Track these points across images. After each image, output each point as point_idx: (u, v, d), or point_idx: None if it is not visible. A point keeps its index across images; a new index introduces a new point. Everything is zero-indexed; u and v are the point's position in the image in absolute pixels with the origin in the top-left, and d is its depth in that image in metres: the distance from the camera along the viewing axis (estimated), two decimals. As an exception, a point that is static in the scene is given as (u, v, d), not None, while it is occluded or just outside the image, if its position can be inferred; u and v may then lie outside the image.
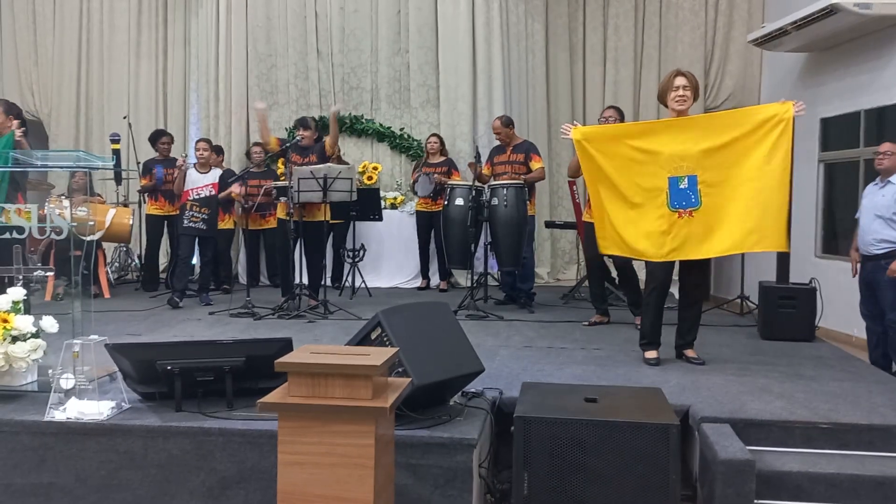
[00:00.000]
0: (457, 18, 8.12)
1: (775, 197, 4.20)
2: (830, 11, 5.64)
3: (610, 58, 8.48)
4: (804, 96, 6.90)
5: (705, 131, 4.28)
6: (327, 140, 6.32)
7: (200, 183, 6.63)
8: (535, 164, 6.42)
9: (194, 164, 6.67)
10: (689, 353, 4.56)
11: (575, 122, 4.80)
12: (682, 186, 4.28)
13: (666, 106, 4.48)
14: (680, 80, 4.33)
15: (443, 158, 7.68)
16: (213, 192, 6.67)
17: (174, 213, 7.10)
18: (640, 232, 4.36)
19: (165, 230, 7.58)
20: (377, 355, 2.51)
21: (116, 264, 8.38)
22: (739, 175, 4.22)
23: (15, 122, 4.91)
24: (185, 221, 6.58)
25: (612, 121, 5.55)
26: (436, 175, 7.46)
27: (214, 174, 6.76)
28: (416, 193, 7.73)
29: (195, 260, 7.22)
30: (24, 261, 3.73)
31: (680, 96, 4.32)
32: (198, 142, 7.00)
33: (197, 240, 6.71)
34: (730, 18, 8.22)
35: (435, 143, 7.68)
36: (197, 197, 6.59)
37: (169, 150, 7.37)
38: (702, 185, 4.25)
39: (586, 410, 3.14)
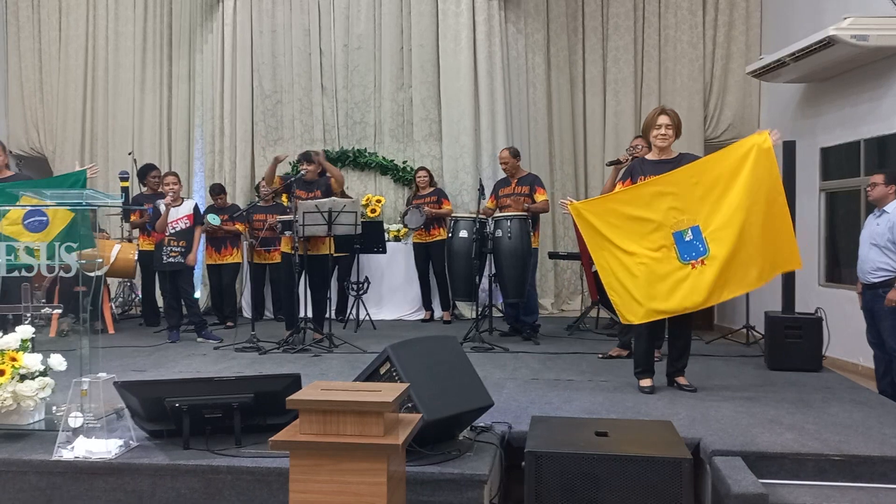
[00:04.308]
0: (458, 54, 8.24)
1: (778, 222, 4.25)
2: (828, 43, 5.72)
3: (610, 89, 8.57)
4: (804, 126, 7.01)
5: (693, 179, 4.34)
6: (332, 182, 6.34)
7: (175, 216, 6.53)
8: (540, 197, 6.46)
9: (166, 201, 6.50)
10: (681, 379, 4.60)
11: (569, 198, 5.03)
12: (687, 239, 4.33)
13: (649, 142, 4.59)
14: (663, 119, 4.47)
15: (431, 189, 7.76)
16: (189, 224, 6.59)
17: None
18: (655, 291, 4.33)
19: None
20: (388, 391, 2.51)
21: (120, 299, 8.39)
22: (738, 213, 4.25)
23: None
24: (164, 258, 6.47)
25: (639, 149, 5.47)
26: (426, 207, 7.52)
27: (188, 205, 6.67)
28: (406, 226, 7.81)
29: (198, 293, 7.10)
30: (33, 298, 3.74)
31: (662, 135, 4.47)
32: (166, 175, 6.78)
33: (173, 277, 6.53)
34: (728, 51, 8.32)
35: (424, 176, 7.77)
36: (173, 231, 6.49)
37: (159, 185, 7.23)
38: (706, 233, 4.30)
39: (597, 445, 3.13)
